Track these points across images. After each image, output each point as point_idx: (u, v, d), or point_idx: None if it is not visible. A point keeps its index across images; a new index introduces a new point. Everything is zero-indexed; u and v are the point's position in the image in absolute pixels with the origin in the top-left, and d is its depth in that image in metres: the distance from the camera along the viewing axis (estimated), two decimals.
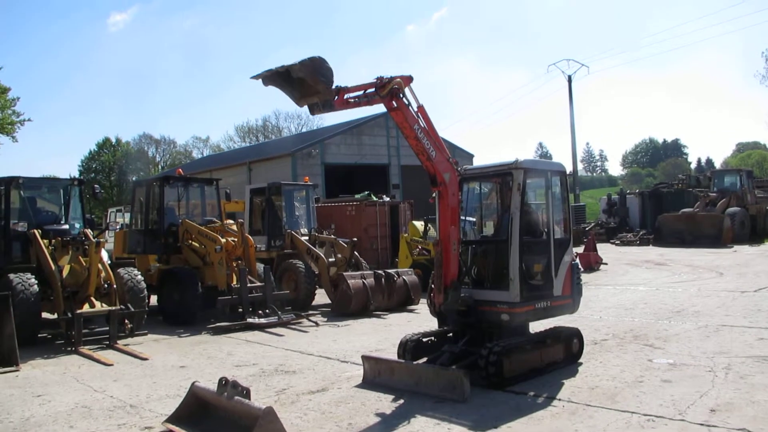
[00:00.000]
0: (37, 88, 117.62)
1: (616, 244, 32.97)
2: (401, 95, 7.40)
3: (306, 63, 6.86)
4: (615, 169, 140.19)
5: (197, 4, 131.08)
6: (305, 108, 7.48)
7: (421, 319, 12.43)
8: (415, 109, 7.60)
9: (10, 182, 12.65)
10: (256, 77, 7.14)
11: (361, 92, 7.31)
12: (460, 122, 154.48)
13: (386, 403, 7.19)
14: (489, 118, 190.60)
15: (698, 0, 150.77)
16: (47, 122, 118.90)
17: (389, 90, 7.31)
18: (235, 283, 13.48)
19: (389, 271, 15.21)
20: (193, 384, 6.65)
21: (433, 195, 8.03)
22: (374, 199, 24.18)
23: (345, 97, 7.21)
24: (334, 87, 7.05)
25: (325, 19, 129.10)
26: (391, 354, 8.87)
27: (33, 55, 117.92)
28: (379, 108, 7.96)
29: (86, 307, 11.39)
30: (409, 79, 7.53)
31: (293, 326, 12.80)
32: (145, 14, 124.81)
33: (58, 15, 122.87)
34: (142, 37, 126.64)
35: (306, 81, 6.90)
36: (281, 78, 7.12)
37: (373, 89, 7.27)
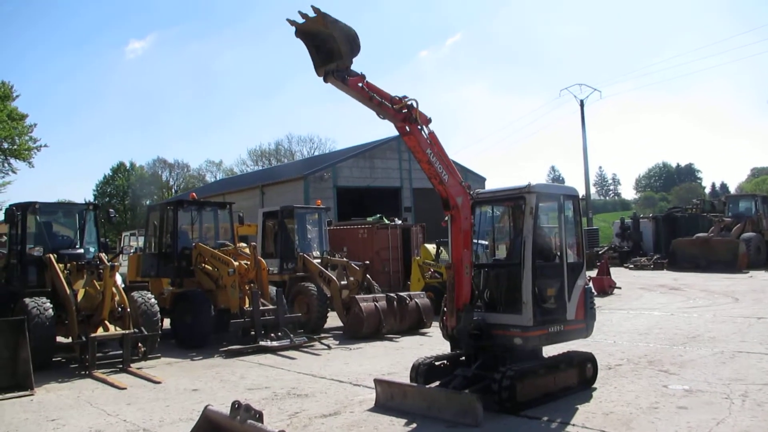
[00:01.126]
0: (53, 113, 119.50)
1: (630, 268, 32.73)
2: (414, 120, 7.49)
3: (342, 25, 6.98)
4: (628, 193, 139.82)
5: (213, 31, 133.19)
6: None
7: (434, 343, 12.39)
8: (427, 135, 7.70)
9: (27, 207, 12.81)
10: (292, 22, 7.10)
11: (379, 97, 7.39)
12: (473, 146, 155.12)
13: (399, 427, 7.16)
14: (501, 141, 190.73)
15: (713, 26, 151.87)
16: (63, 147, 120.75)
17: (402, 108, 7.41)
18: (247, 306, 13.52)
19: (401, 294, 15.19)
20: (205, 407, 6.62)
21: (446, 218, 8.07)
22: (386, 222, 24.23)
23: (360, 84, 7.27)
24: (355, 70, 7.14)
25: None
26: (404, 377, 8.83)
27: (50, 81, 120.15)
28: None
29: (100, 331, 11.44)
30: (428, 120, 7.64)
31: (305, 349, 12.79)
32: (163, 41, 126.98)
33: (77, 41, 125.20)
34: (157, 63, 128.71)
35: (334, 37, 6.96)
36: (312, 39, 7.16)
37: (389, 101, 7.39)
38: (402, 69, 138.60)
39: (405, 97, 7.51)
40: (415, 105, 7.53)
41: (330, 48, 7.08)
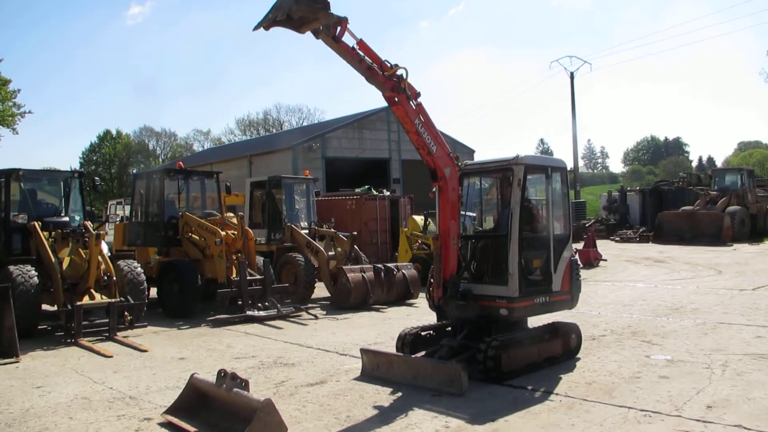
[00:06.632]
0: (38, 79, 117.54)
1: (616, 241, 32.98)
2: (403, 91, 7.40)
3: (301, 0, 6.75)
4: (616, 166, 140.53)
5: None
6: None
7: (420, 313, 12.49)
8: (415, 106, 7.62)
9: (11, 174, 12.64)
10: (256, 28, 7.00)
11: (370, 60, 7.25)
12: (462, 117, 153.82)
13: (384, 395, 7.23)
14: (491, 113, 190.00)
15: None
16: (49, 113, 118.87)
17: (391, 75, 7.30)
18: (234, 275, 13.50)
19: (389, 265, 15.22)
20: (192, 376, 6.69)
21: (434, 190, 8.04)
22: (374, 193, 24.18)
23: (354, 46, 7.11)
24: (337, 15, 6.95)
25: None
26: (390, 347, 8.91)
27: (36, 45, 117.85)
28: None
29: (86, 299, 11.41)
30: (417, 94, 7.54)
31: (292, 319, 12.84)
32: (159, 8, 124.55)
33: (69, 7, 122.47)
34: (147, 32, 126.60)
35: (307, 17, 6.81)
36: (280, 17, 6.94)
37: (379, 66, 7.27)
38: (401, 39, 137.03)
39: (396, 65, 7.40)
40: (405, 76, 7.43)
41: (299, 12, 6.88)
